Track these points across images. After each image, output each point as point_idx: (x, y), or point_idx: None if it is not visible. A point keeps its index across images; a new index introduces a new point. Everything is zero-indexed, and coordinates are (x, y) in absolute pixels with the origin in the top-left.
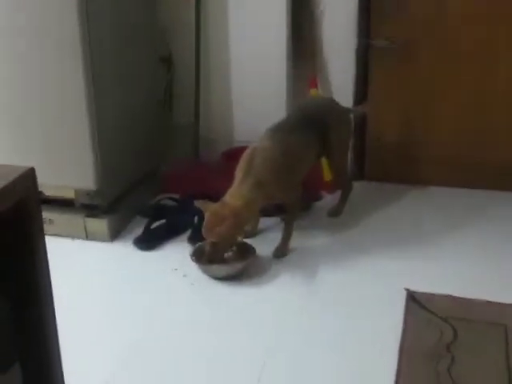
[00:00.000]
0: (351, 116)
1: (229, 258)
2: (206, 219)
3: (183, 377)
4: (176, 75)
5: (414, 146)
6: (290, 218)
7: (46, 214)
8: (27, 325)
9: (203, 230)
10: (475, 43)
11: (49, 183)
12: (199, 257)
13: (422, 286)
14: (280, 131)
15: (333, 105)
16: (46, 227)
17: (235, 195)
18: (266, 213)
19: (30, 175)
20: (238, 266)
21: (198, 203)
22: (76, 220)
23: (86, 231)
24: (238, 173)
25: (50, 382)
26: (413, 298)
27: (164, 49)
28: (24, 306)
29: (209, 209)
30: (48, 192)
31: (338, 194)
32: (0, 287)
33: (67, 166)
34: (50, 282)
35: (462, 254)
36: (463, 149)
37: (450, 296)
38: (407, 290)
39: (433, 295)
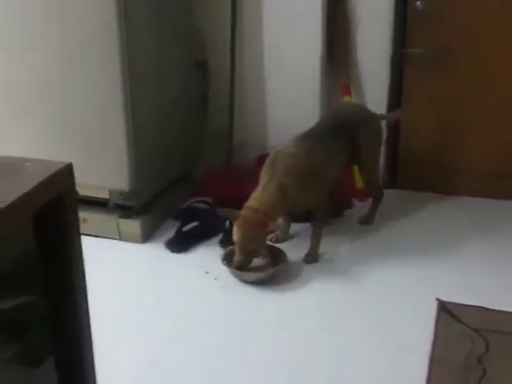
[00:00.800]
0: (382, 123)
1: (261, 263)
2: (239, 229)
3: (212, 377)
4: (211, 81)
5: (448, 155)
6: (317, 223)
7: (80, 214)
8: (62, 320)
9: (238, 240)
10: None
11: (84, 183)
12: (230, 260)
13: (453, 297)
14: (308, 138)
15: (364, 112)
16: (80, 226)
17: (259, 199)
18: (297, 219)
19: (67, 170)
20: (269, 272)
21: (220, 211)
22: (109, 220)
23: (119, 232)
24: (262, 177)
25: (82, 377)
26: (444, 308)
27: (200, 55)
28: (59, 301)
29: (239, 217)
30: (82, 192)
31: (369, 201)
32: (36, 282)
33: (102, 167)
34: (85, 278)
35: (495, 265)
36: (498, 159)
37: (483, 308)
38: (438, 300)
39: (465, 306)
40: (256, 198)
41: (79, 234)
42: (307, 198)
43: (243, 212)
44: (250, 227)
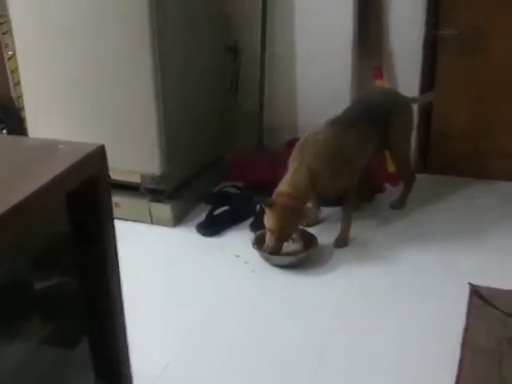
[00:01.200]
0: (414, 107)
1: (292, 247)
2: (273, 215)
3: (242, 361)
4: (242, 64)
5: (480, 139)
6: (347, 208)
7: (112, 198)
8: (95, 302)
9: (273, 226)
10: None
11: (115, 167)
12: (261, 244)
13: (485, 281)
14: (337, 123)
15: (394, 96)
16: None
17: (290, 184)
18: (328, 202)
19: (100, 152)
20: (300, 256)
21: (256, 199)
22: (141, 204)
23: (150, 215)
24: (292, 162)
25: (117, 360)
26: (476, 292)
27: (230, 38)
28: (92, 283)
29: (273, 204)
30: (114, 176)
31: (401, 186)
32: (69, 264)
33: (133, 151)
34: (118, 260)
35: None
36: None
37: None
38: (471, 284)
39: (497, 290)
40: (287, 183)
41: (112, 216)
42: (336, 182)
43: (277, 198)
44: (285, 213)
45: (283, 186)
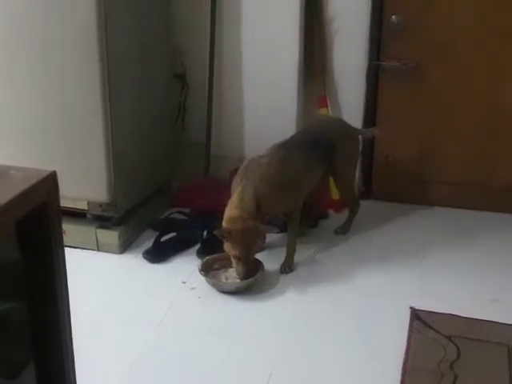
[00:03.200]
0: (359, 136)
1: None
2: (237, 242)
3: (188, 381)
4: (189, 93)
5: (423, 167)
6: (290, 233)
7: None
8: (43, 329)
9: (240, 252)
10: (487, 68)
11: (63, 194)
12: (207, 270)
13: (426, 305)
14: (282, 148)
15: (341, 125)
16: None
17: (238, 207)
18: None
19: (52, 179)
20: (246, 282)
21: (216, 232)
22: (87, 231)
23: (97, 242)
24: (236, 186)
25: (63, 382)
26: (417, 316)
27: (179, 67)
28: (41, 310)
29: (232, 230)
30: (61, 203)
31: (345, 212)
32: (17, 290)
33: (82, 178)
34: (67, 287)
35: (467, 274)
36: (472, 170)
37: (455, 315)
38: (412, 308)
39: (437, 314)
40: (236, 207)
41: (62, 243)
42: (280, 206)
43: (232, 225)
44: (246, 236)
45: (232, 210)
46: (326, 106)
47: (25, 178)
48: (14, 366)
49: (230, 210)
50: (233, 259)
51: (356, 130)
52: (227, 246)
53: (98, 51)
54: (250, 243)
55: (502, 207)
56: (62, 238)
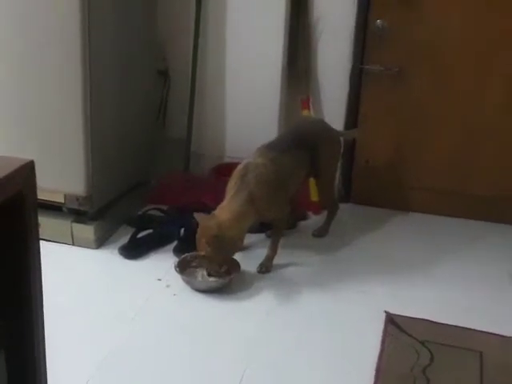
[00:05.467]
0: (341, 138)
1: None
2: (198, 231)
3: (161, 379)
4: (171, 89)
5: (402, 172)
6: (276, 234)
7: None
8: (15, 323)
9: (196, 241)
10: (469, 76)
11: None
12: (183, 268)
13: (401, 310)
14: (273, 149)
15: (323, 126)
16: None
17: (227, 209)
18: (251, 229)
19: (29, 168)
20: (221, 281)
21: (196, 216)
22: (63, 225)
23: (72, 237)
24: (231, 188)
25: (34, 377)
26: (392, 320)
27: (161, 63)
28: (12, 304)
29: (200, 221)
30: (37, 194)
31: (323, 214)
32: None
33: (59, 171)
34: (41, 281)
35: (442, 280)
36: (450, 177)
37: (429, 321)
38: (386, 312)
39: (412, 319)
40: (224, 209)
41: (38, 236)
42: (273, 209)
43: (221, 232)
44: (229, 243)
45: (223, 213)
46: (309, 108)
47: (0, 166)
48: None
49: (222, 213)
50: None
51: (337, 131)
52: (209, 251)
53: (80, 46)
54: (202, 241)
55: (477, 215)
56: (37, 230)
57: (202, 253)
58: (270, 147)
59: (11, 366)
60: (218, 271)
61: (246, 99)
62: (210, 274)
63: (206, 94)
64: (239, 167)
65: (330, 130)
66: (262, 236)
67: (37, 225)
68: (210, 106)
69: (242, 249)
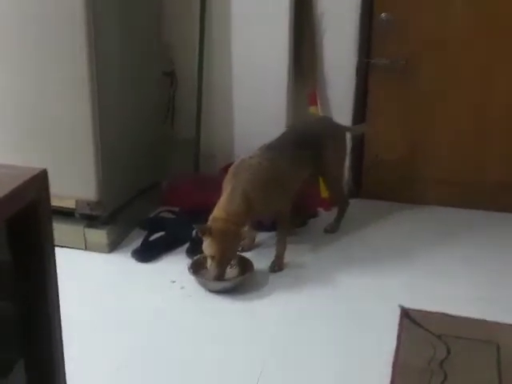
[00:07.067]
0: (347, 134)
1: (228, 272)
2: (214, 242)
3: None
4: (178, 91)
5: (413, 165)
6: (280, 232)
7: None
8: (33, 328)
9: (215, 253)
10: (477, 66)
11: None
12: (197, 270)
13: (416, 304)
14: (271, 149)
15: (328, 123)
16: None
17: (225, 209)
18: (264, 227)
19: (42, 177)
20: (235, 281)
21: (197, 227)
22: (76, 230)
23: (85, 241)
24: (226, 186)
25: (53, 382)
26: (407, 314)
27: (168, 64)
28: (31, 309)
29: (211, 231)
30: None
31: (334, 211)
32: (7, 289)
33: (70, 177)
34: (57, 286)
35: (458, 272)
36: (461, 169)
37: (444, 314)
38: (401, 306)
39: (427, 312)
40: (222, 208)
41: (53, 242)
42: (270, 206)
43: (214, 224)
44: (224, 238)
45: (218, 210)
46: (316, 104)
47: (15, 176)
48: (3, 365)
49: (216, 211)
50: (208, 259)
51: (344, 127)
52: (204, 245)
53: (87, 49)
54: (227, 245)
55: (491, 205)
56: (52, 237)
57: (205, 253)
58: (271, 146)
59: (30, 375)
60: (222, 275)
61: (253, 97)
62: (220, 279)
63: (213, 94)
64: (234, 164)
65: (334, 127)
66: (274, 234)
67: (52, 233)
68: (218, 105)
69: (253, 247)
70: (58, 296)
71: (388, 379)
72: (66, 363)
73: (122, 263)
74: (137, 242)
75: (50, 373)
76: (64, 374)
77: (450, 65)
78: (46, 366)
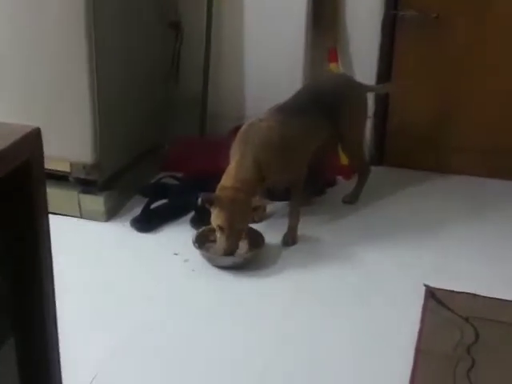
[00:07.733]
0: (367, 95)
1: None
2: (222, 212)
3: (180, 367)
4: (185, 44)
5: (440, 131)
6: (294, 201)
7: None
8: (25, 301)
9: (223, 223)
10: None
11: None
12: (202, 242)
13: (441, 282)
14: (283, 111)
15: (346, 82)
16: None
17: (234, 177)
18: (276, 196)
19: (36, 135)
20: (245, 256)
21: (203, 196)
22: (70, 196)
23: (80, 209)
24: (234, 153)
25: (45, 363)
26: (432, 294)
27: (174, 14)
28: (22, 280)
29: (222, 198)
30: None
31: (354, 179)
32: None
33: (64, 137)
34: (51, 255)
35: (487, 250)
36: (494, 135)
37: (473, 294)
38: (426, 286)
39: (454, 293)
40: (231, 176)
41: (47, 209)
42: (283, 173)
43: (222, 193)
44: (234, 208)
45: (227, 179)
46: (336, 61)
47: (4, 134)
48: None
49: (224, 179)
50: (216, 230)
51: (365, 86)
52: (212, 216)
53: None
54: (236, 215)
55: None
56: (46, 203)
57: (213, 224)
58: (283, 108)
59: (21, 350)
60: (234, 249)
61: (267, 52)
62: (231, 254)
63: (223, 47)
64: (242, 129)
65: (353, 86)
66: (287, 204)
67: (45, 197)
68: (228, 61)
69: (264, 218)
70: (51, 267)
71: (409, 365)
72: (61, 337)
73: (120, 233)
74: (136, 210)
75: (42, 351)
76: (58, 353)
77: (487, 18)
78: (38, 343)
